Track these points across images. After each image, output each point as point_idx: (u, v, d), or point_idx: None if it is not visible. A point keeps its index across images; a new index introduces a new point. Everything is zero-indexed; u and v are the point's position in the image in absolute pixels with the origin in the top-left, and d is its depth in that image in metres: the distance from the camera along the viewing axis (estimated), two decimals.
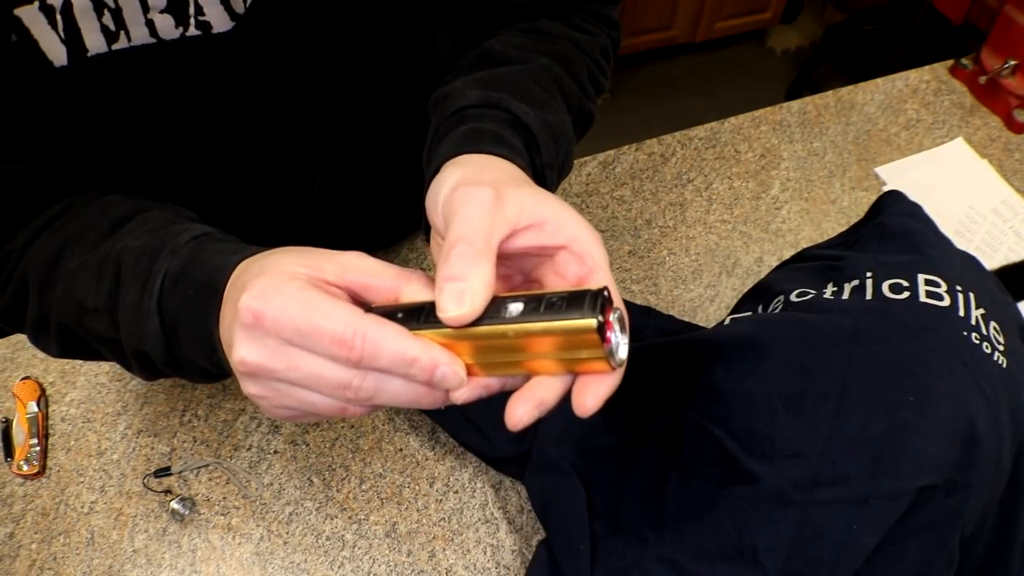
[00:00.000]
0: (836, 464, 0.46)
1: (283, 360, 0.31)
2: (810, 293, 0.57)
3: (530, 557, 0.60)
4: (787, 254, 0.72)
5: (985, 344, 0.50)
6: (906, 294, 0.52)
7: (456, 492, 0.65)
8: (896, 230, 0.60)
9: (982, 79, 0.96)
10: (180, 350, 0.39)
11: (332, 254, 0.33)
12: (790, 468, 0.47)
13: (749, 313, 0.63)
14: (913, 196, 0.66)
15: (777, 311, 0.59)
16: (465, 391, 0.31)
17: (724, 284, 0.80)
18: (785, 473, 0.48)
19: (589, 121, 0.56)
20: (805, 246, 0.70)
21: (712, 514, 0.50)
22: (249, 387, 0.33)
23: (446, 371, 0.30)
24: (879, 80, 1.01)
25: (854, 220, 0.68)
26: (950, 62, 1.02)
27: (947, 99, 0.99)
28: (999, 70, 0.94)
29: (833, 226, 0.85)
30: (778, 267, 0.70)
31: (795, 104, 0.98)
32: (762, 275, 0.79)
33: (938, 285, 0.52)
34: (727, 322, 0.63)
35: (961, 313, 0.50)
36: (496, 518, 0.64)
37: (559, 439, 0.61)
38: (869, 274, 0.55)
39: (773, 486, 0.48)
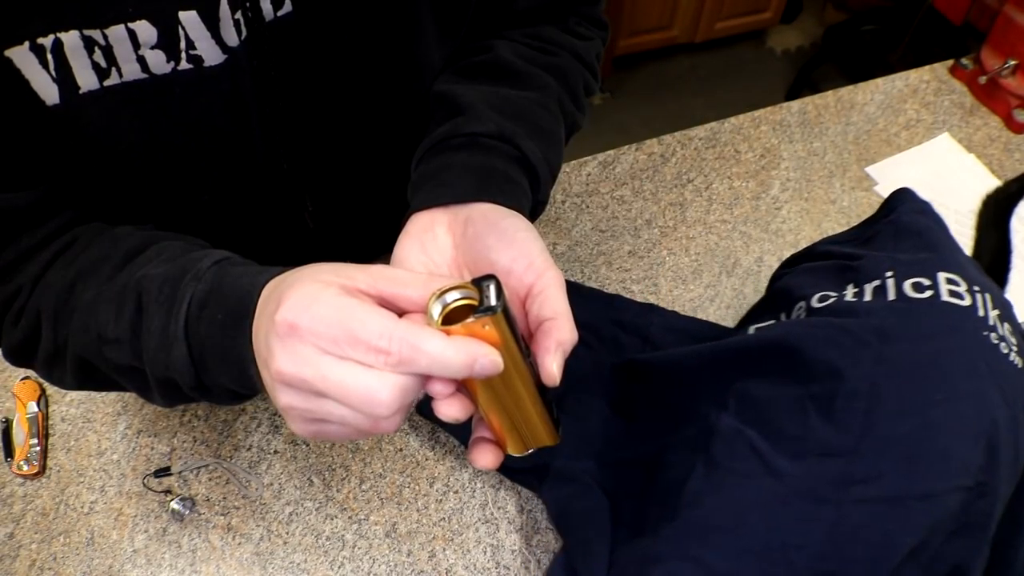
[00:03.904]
0: (868, 461, 0.46)
1: (315, 369, 0.31)
2: (831, 296, 0.57)
3: (530, 557, 0.60)
4: (787, 254, 0.71)
5: (1003, 344, 0.50)
6: (929, 293, 0.52)
7: (456, 492, 0.65)
8: (911, 227, 0.60)
9: (982, 79, 0.96)
10: (208, 374, 0.39)
11: (363, 266, 0.35)
12: (821, 466, 0.47)
13: (772, 322, 0.63)
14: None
15: (801, 318, 0.59)
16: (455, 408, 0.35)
17: (724, 284, 0.80)
18: (816, 471, 0.47)
19: (575, 130, 0.60)
20: (805, 246, 0.70)
21: (740, 511, 0.49)
22: (282, 398, 0.33)
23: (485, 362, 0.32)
24: (879, 80, 1.01)
25: (854, 220, 0.68)
26: (950, 62, 1.02)
27: (947, 99, 0.99)
28: (999, 70, 0.94)
29: (833, 226, 0.85)
30: (789, 264, 0.69)
31: (795, 104, 0.98)
32: (762, 275, 0.79)
33: (958, 284, 0.52)
34: (751, 332, 0.62)
35: (981, 313, 0.50)
36: (496, 518, 0.64)
37: (578, 451, 0.61)
38: (890, 273, 0.55)
39: (805, 484, 0.47)
